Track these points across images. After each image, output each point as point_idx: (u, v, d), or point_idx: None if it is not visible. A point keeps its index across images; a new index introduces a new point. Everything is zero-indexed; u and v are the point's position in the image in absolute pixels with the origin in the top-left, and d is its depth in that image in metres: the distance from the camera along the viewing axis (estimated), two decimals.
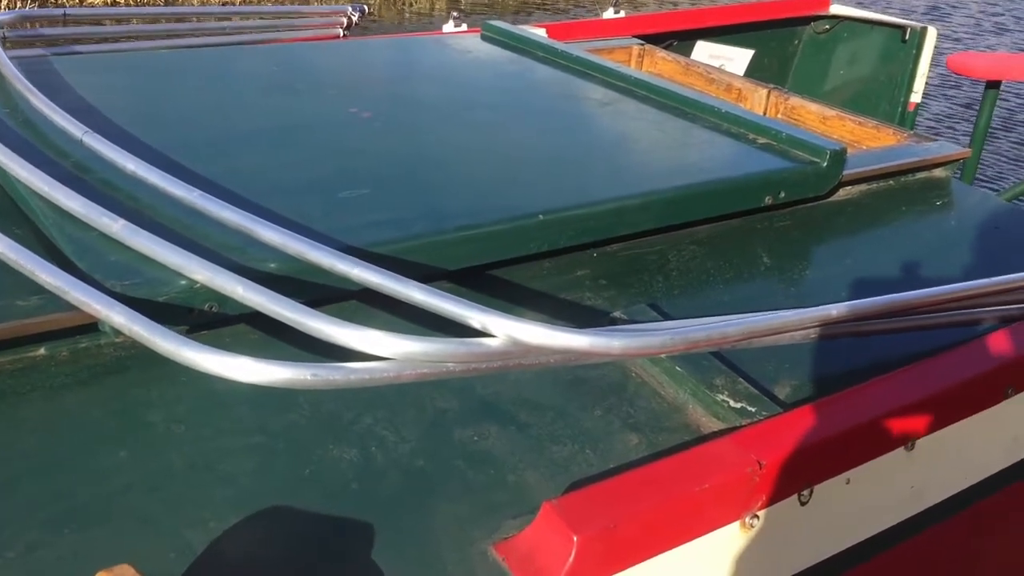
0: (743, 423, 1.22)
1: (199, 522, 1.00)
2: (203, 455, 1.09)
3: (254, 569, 0.97)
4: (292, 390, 1.07)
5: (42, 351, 1.20)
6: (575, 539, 0.99)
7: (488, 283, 1.49)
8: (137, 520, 1.00)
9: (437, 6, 10.59)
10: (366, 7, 3.02)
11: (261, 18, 2.74)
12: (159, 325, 1.05)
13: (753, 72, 3.48)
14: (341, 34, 2.97)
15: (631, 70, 2.34)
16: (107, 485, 1.03)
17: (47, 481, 1.03)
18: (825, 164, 1.83)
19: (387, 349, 1.04)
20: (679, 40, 3.40)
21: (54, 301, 1.17)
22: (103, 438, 1.10)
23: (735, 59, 3.59)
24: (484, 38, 2.54)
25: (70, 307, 1.15)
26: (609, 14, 3.33)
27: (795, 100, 2.52)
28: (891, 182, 2.05)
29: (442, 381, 1.24)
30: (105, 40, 2.44)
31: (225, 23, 2.72)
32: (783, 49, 3.76)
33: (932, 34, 3.49)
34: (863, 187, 2.00)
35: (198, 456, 1.09)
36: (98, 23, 2.61)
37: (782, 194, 1.78)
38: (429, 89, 2.11)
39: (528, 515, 1.04)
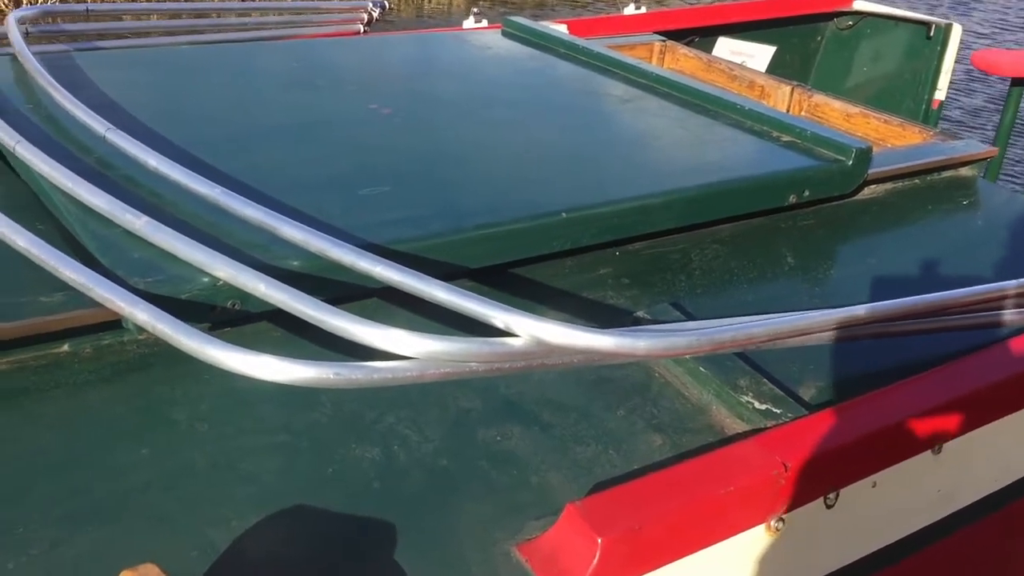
0: (768, 425, 1.21)
1: (221, 521, 1.00)
2: (225, 453, 1.09)
3: (276, 568, 0.97)
4: (316, 389, 1.07)
5: (66, 348, 1.20)
6: (599, 541, 0.98)
7: (510, 282, 1.49)
8: (159, 518, 0.99)
9: (455, 2, 10.58)
10: (386, 3, 3.02)
11: (281, 14, 2.74)
12: (183, 323, 1.05)
13: (775, 68, 3.45)
14: (361, 30, 2.96)
15: (653, 67, 2.32)
16: (129, 482, 1.03)
17: (69, 478, 1.03)
18: (851, 163, 1.81)
19: (410, 348, 1.03)
20: (700, 36, 3.38)
21: (78, 298, 1.17)
22: (125, 435, 1.09)
23: (756, 55, 3.57)
24: (505, 34, 2.53)
25: (94, 304, 1.15)
26: (630, 10, 3.31)
27: (819, 97, 2.50)
28: (916, 181, 2.03)
29: (465, 380, 1.24)
30: (126, 36, 2.45)
31: (246, 19, 2.71)
32: (805, 45, 3.73)
33: (957, 31, 3.45)
34: (888, 186, 1.98)
35: (220, 454, 1.08)
36: (119, 18, 2.62)
37: (807, 193, 1.77)
38: (450, 85, 2.10)
39: (551, 516, 1.04)
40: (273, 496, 1.04)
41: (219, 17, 2.71)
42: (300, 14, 2.79)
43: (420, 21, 9.55)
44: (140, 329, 1.17)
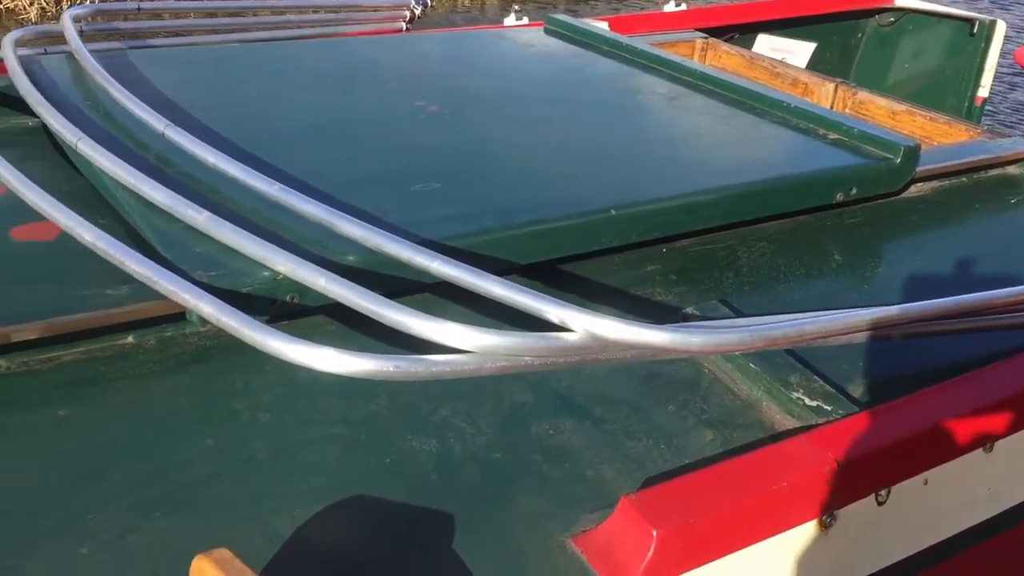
0: (819, 421, 1.22)
1: (284, 510, 1.02)
2: (286, 444, 1.11)
3: (339, 556, 0.99)
4: (372, 381, 1.09)
5: (130, 339, 1.23)
6: (654, 534, 0.99)
7: (558, 278, 1.50)
8: (224, 506, 1.02)
9: (488, 0, 10.60)
10: (429, 0, 3.04)
11: (326, 12, 2.77)
12: (246, 315, 1.08)
13: (814, 65, 3.44)
14: (404, 28, 2.98)
15: (697, 64, 2.33)
16: (195, 471, 1.06)
17: (138, 466, 1.06)
18: (899, 161, 1.80)
19: (468, 342, 1.05)
20: (740, 33, 3.37)
21: (142, 291, 1.21)
22: (190, 425, 1.12)
23: (796, 52, 3.55)
24: (547, 32, 2.55)
25: (157, 296, 1.18)
26: (670, 7, 3.31)
27: (863, 95, 2.49)
28: (963, 179, 2.02)
29: (517, 375, 1.25)
30: (175, 34, 2.49)
31: (290, 17, 2.75)
32: (846, 42, 3.71)
33: (1001, 27, 3.41)
34: (935, 184, 1.97)
35: (281, 445, 1.11)
36: (175, 16, 2.66)
37: (854, 191, 1.77)
38: (495, 83, 2.12)
39: (605, 509, 1.05)
40: (333, 486, 1.06)
41: (265, 16, 2.74)
42: (344, 12, 2.82)
43: (452, 19, 9.57)
44: (203, 321, 1.20)
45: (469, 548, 1.01)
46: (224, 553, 0.82)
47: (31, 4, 9.44)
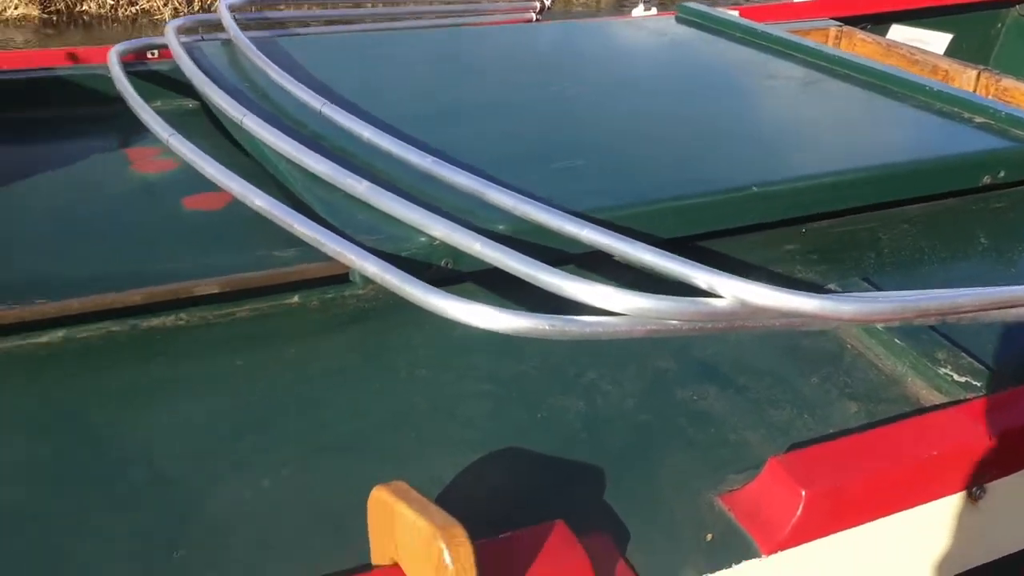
0: (968, 396, 1.21)
1: (443, 458, 1.07)
2: (443, 398, 1.17)
3: (495, 503, 1.04)
4: (522, 341, 1.13)
5: (296, 299, 1.31)
6: (803, 493, 1.01)
7: (698, 254, 1.52)
8: (387, 454, 1.08)
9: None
10: None
11: (463, 3, 2.85)
12: (409, 275, 1.14)
13: (951, 56, 3.35)
14: (533, 19, 3.04)
15: (834, 50, 2.31)
16: (357, 421, 1.13)
17: (305, 415, 1.13)
18: None
19: (620, 305, 1.09)
20: (873, 23, 3.30)
21: (307, 254, 1.28)
22: (354, 379, 1.19)
23: (932, 43, 3.46)
24: (679, 20, 2.56)
25: (322, 259, 1.26)
26: None
27: (1008, 81, 2.42)
28: None
29: (660, 342, 1.28)
30: (320, 23, 2.61)
31: (429, 7, 2.84)
32: (984, 32, 3.60)
33: None
34: None
35: (439, 398, 1.17)
36: (320, 6, 2.78)
37: (1002, 174, 1.73)
38: (631, 68, 2.15)
39: (751, 470, 1.07)
40: (488, 439, 1.11)
41: (405, 6, 2.84)
42: (478, 3, 2.90)
43: (570, 16, 9.60)
44: (365, 282, 1.27)
45: (619, 501, 1.05)
46: (401, 485, 0.88)
47: (165, 4, 9.96)
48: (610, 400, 1.19)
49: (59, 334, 1.19)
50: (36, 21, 9.60)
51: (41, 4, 9.58)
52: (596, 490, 1.06)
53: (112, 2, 9.88)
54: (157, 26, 9.80)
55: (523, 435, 1.13)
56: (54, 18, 9.68)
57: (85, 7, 9.85)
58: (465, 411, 1.15)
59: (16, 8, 9.53)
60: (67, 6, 9.75)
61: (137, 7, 9.93)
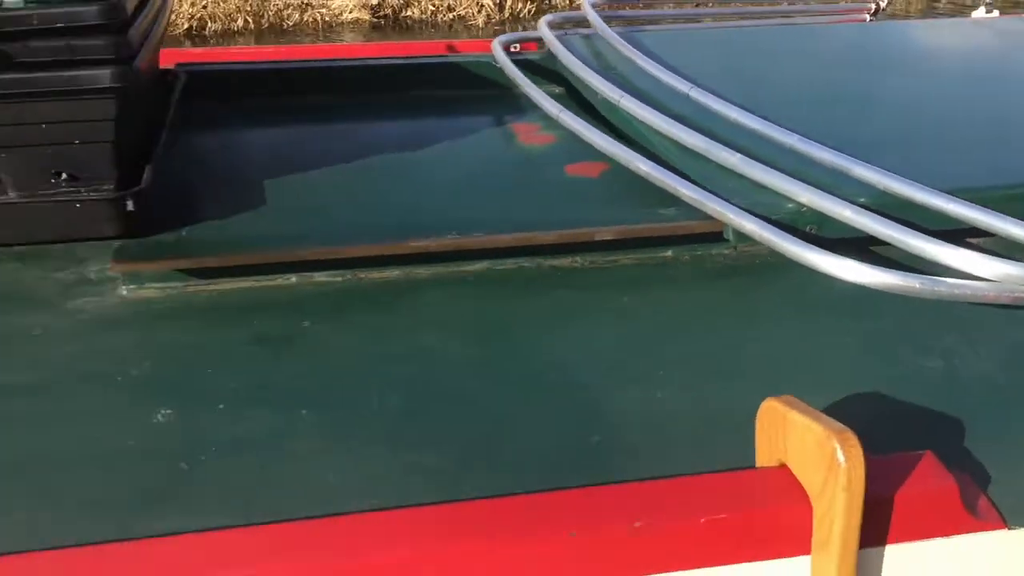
0: None
1: (810, 396, 1.19)
2: (806, 346, 1.30)
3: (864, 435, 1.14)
4: (877, 304, 1.23)
5: (669, 253, 1.50)
6: None
7: None
8: (759, 384, 1.20)
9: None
10: None
11: (803, 3, 2.95)
12: (786, 232, 1.29)
13: None
14: (867, 19, 3.07)
15: None
16: (732, 355, 1.28)
17: (687, 346, 1.30)
18: None
19: (990, 271, 1.18)
20: None
21: (682, 213, 1.47)
22: (723, 323, 1.36)
23: None
24: None
25: (697, 217, 1.43)
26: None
27: None
28: None
29: (1014, 315, 1.33)
30: (667, 21, 2.81)
31: (766, 8, 2.96)
32: None
33: None
34: None
35: (801, 347, 1.30)
36: (671, 5, 2.99)
37: None
38: (992, 66, 2.17)
39: None
40: (853, 382, 1.22)
41: (744, 7, 2.99)
42: (815, 3, 2.99)
43: (899, 15, 9.24)
44: (738, 239, 1.43)
45: (977, 447, 1.12)
46: (791, 397, 1.03)
47: (479, 11, 10.67)
48: (967, 362, 1.27)
49: (483, 264, 1.44)
50: (366, 24, 10.64)
51: (371, 9, 10.60)
52: (955, 437, 1.15)
53: (432, 8, 10.74)
54: (470, 30, 10.57)
55: (880, 385, 1.23)
56: (382, 22, 10.68)
57: (409, 12, 10.78)
58: (829, 359, 1.28)
59: (351, 12, 10.61)
60: (394, 11, 10.71)
61: (454, 13, 10.72)
